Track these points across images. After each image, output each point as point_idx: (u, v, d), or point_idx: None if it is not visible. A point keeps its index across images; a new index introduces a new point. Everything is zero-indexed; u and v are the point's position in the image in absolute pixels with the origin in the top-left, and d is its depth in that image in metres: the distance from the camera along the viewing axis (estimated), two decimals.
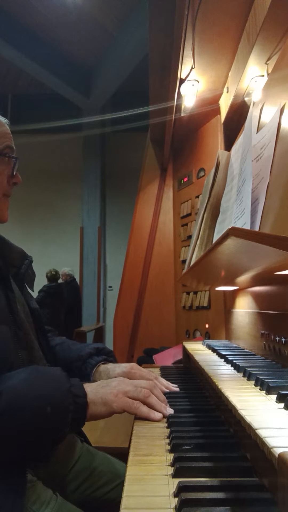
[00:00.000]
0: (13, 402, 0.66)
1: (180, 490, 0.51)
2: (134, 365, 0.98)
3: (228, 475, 0.56)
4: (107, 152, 8.12)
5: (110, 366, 0.99)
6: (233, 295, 1.56)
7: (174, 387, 1.00)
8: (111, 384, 0.80)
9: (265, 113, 1.03)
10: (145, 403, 0.80)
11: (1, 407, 0.65)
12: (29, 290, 1.03)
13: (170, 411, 0.83)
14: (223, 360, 1.09)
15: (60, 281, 6.19)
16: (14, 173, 0.93)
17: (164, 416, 0.81)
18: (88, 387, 0.77)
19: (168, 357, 1.90)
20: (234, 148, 1.26)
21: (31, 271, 1.05)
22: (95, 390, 0.77)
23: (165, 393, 0.95)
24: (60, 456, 0.91)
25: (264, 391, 0.70)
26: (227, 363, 1.03)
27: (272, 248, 0.56)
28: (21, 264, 1.01)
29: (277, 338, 0.94)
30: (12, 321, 0.82)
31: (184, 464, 0.59)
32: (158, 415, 0.79)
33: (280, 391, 0.64)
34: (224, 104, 2.12)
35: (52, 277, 5.99)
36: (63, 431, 0.71)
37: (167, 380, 1.15)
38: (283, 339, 0.91)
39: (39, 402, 0.68)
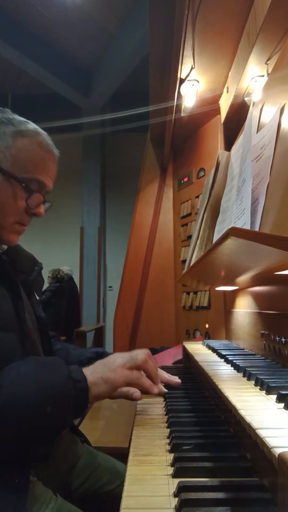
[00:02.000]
0: (15, 393, 0.66)
1: (180, 490, 0.51)
2: (138, 350, 0.99)
3: (228, 475, 0.56)
4: (107, 152, 8.13)
5: (114, 355, 1.00)
6: (233, 295, 1.56)
7: (175, 379, 0.99)
8: (108, 361, 0.81)
9: (265, 113, 1.03)
10: (144, 368, 0.82)
11: (2, 399, 0.65)
12: (36, 296, 1.03)
13: (163, 389, 0.87)
14: (223, 360, 1.09)
15: None
16: (29, 205, 0.87)
17: (157, 384, 0.84)
18: (87, 370, 0.77)
19: (168, 357, 1.90)
20: (234, 148, 1.26)
21: (40, 278, 1.04)
22: (94, 372, 0.77)
23: (165, 393, 0.95)
24: (60, 456, 0.91)
25: (264, 391, 0.70)
26: (227, 363, 1.03)
27: (272, 248, 0.56)
28: (31, 271, 0.99)
29: (277, 338, 0.94)
30: (19, 329, 0.82)
31: (184, 464, 0.59)
32: (159, 388, 0.82)
33: (280, 391, 0.64)
34: (224, 104, 2.12)
35: (57, 276, 6.02)
36: (66, 418, 0.71)
37: None
38: (283, 339, 0.91)
39: (40, 392, 0.68)
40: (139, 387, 0.80)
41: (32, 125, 0.91)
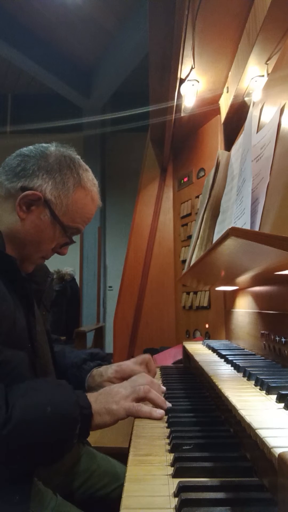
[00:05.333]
0: (25, 414, 0.66)
1: (180, 490, 0.51)
2: (122, 362, 1.00)
3: (228, 475, 0.56)
4: (107, 152, 8.12)
5: (103, 368, 1.00)
6: (233, 295, 1.56)
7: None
8: (112, 391, 0.81)
9: (265, 113, 1.03)
10: (147, 399, 0.81)
11: (14, 420, 0.65)
12: (46, 308, 1.02)
13: (168, 405, 0.84)
14: (223, 360, 1.09)
15: None
16: (61, 247, 0.94)
17: (164, 409, 0.82)
18: (91, 397, 0.77)
19: (168, 357, 1.90)
20: (234, 148, 1.26)
21: (51, 289, 1.05)
22: (98, 400, 0.77)
23: (165, 393, 0.95)
24: None
25: (264, 391, 0.70)
26: (227, 363, 1.03)
27: (272, 248, 0.56)
28: (43, 282, 0.99)
29: (277, 338, 0.94)
30: (30, 347, 0.82)
31: (184, 464, 0.59)
32: (159, 413, 0.80)
33: (280, 391, 0.64)
34: (224, 104, 2.12)
35: (61, 277, 6.04)
36: (71, 442, 0.71)
37: (167, 380, 1.16)
38: (283, 339, 0.91)
39: (50, 414, 0.68)
40: (142, 417, 0.80)
41: (91, 175, 0.93)
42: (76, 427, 0.71)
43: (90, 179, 0.92)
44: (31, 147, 0.91)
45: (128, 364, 1.00)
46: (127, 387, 0.82)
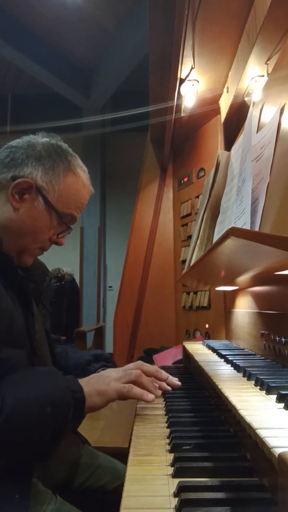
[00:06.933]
0: (17, 404, 0.67)
1: (180, 490, 0.51)
2: (131, 364, 0.99)
3: (228, 475, 0.56)
4: (107, 152, 8.12)
5: (109, 370, 1.00)
6: (233, 295, 1.56)
7: (176, 381, 0.99)
8: (103, 374, 0.82)
9: (265, 113, 1.03)
10: (138, 382, 0.82)
11: (6, 411, 0.65)
12: (45, 307, 1.02)
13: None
14: (223, 360, 1.09)
15: None
16: (58, 236, 0.93)
17: (156, 395, 0.83)
18: (82, 381, 0.78)
19: (168, 357, 1.90)
20: (234, 148, 1.26)
21: (50, 288, 1.04)
22: (88, 383, 0.78)
23: (165, 393, 0.95)
24: (60, 457, 0.91)
25: (264, 391, 0.70)
26: (227, 363, 1.03)
27: (272, 248, 0.56)
28: (42, 280, 0.99)
29: (277, 338, 0.94)
30: (29, 346, 0.82)
31: (184, 464, 0.59)
32: (150, 397, 0.81)
33: (280, 391, 0.64)
34: (224, 104, 2.12)
35: (57, 276, 6.04)
36: (65, 428, 0.72)
37: None
38: (283, 339, 0.91)
39: (41, 402, 0.69)
40: (132, 398, 0.81)
41: (80, 161, 0.94)
42: (69, 412, 0.71)
43: (80, 164, 0.93)
44: (18, 139, 0.91)
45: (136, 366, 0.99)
46: (119, 371, 0.83)
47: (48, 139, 0.92)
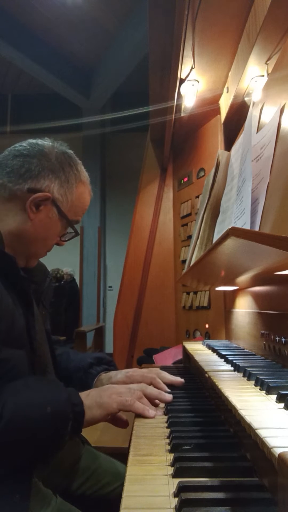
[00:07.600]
0: (17, 412, 0.67)
1: (180, 490, 0.51)
2: (135, 369, 0.99)
3: (228, 475, 0.56)
4: (107, 152, 8.12)
5: (112, 372, 1.00)
6: (233, 295, 1.56)
7: (178, 379, 0.99)
8: (104, 387, 0.83)
9: (265, 113, 1.03)
10: (144, 394, 0.83)
11: (5, 417, 0.65)
12: (45, 307, 1.03)
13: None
14: (223, 360, 1.09)
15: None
16: (62, 240, 0.97)
17: (165, 401, 0.85)
18: (82, 394, 0.78)
19: (168, 357, 1.90)
20: (234, 148, 1.26)
21: (50, 289, 1.05)
22: (90, 396, 0.79)
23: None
24: (60, 457, 0.91)
25: (264, 391, 0.70)
26: (227, 363, 1.03)
27: (272, 248, 0.56)
28: (42, 281, 1.00)
29: (277, 338, 0.94)
30: (29, 347, 0.83)
31: (184, 464, 0.59)
32: (152, 413, 0.81)
33: (280, 391, 0.64)
34: (224, 104, 2.12)
35: (56, 276, 6.05)
36: (63, 439, 0.72)
37: None
38: (283, 339, 0.91)
39: (42, 412, 0.69)
40: (133, 412, 0.81)
41: (83, 167, 0.98)
42: (68, 425, 0.71)
43: (85, 172, 0.97)
44: (25, 145, 0.91)
45: (139, 373, 0.99)
46: (121, 387, 0.84)
47: (58, 147, 0.93)
